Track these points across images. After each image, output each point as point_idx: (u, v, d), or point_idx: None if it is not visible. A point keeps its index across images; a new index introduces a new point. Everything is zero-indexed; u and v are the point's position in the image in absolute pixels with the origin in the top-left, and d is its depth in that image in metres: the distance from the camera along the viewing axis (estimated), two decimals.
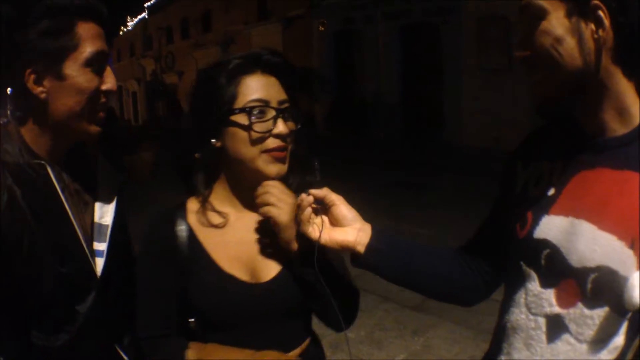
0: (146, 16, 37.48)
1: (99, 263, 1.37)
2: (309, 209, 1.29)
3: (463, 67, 13.67)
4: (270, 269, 1.40)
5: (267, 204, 1.32)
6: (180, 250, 1.39)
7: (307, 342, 1.49)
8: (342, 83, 18.69)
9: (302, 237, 1.32)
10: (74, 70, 1.24)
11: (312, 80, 17.98)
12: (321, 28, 18.88)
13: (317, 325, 1.52)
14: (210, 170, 1.44)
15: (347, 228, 1.31)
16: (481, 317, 4.21)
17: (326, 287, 1.32)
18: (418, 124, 15.32)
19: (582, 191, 1.12)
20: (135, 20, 40.66)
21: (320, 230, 1.29)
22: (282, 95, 1.38)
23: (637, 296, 0.98)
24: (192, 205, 1.45)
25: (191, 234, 1.41)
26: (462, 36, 13.60)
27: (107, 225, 1.40)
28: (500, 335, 1.28)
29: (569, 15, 1.04)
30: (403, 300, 5.00)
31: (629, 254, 1.02)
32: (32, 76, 1.22)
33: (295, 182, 1.45)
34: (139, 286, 1.44)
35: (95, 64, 1.27)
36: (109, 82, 1.30)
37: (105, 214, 1.41)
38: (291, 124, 1.38)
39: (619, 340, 1.07)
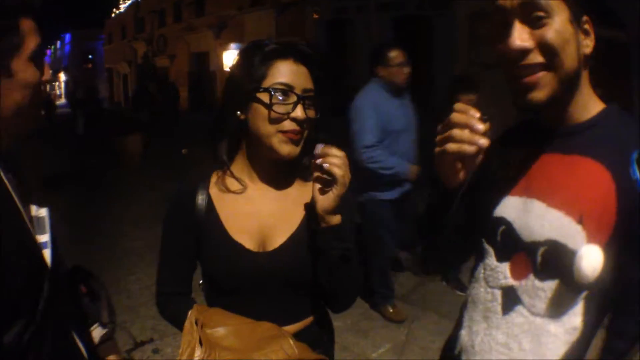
0: None
1: (47, 254, 1.37)
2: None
3: (455, 61, 13.65)
4: (277, 239, 1.50)
5: (332, 164, 1.35)
6: (199, 217, 1.52)
7: (307, 321, 1.56)
8: (334, 71, 18.64)
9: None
10: (21, 66, 1.25)
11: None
12: (315, 16, 18.79)
13: None
14: (233, 141, 1.55)
15: None
16: None
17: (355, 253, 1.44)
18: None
19: (536, 174, 1.23)
20: (128, 2, 40.30)
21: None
22: (309, 85, 1.47)
23: (586, 268, 1.03)
24: (215, 176, 1.57)
25: (209, 202, 1.53)
26: (455, 30, 13.57)
27: (44, 217, 1.41)
28: (463, 310, 1.38)
29: (571, 21, 1.11)
30: None
31: (577, 229, 1.11)
32: None
33: (306, 164, 1.53)
34: (161, 247, 1.61)
35: (37, 58, 1.28)
36: (47, 74, 1.33)
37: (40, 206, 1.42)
38: (311, 112, 1.47)
39: (577, 320, 1.12)
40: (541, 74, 1.14)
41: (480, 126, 1.08)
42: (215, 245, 1.51)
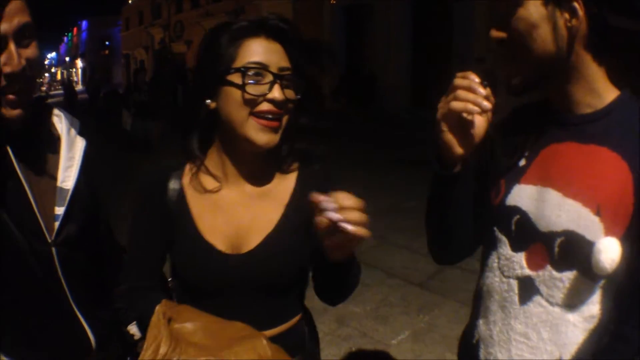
0: None
1: (53, 227, 1.37)
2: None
3: (473, 45, 13.54)
4: (250, 242, 1.38)
5: (352, 222, 1.11)
6: (169, 208, 1.39)
7: (285, 326, 1.43)
8: (352, 57, 18.59)
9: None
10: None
11: (321, 52, 17.87)
12: (332, 1, 18.72)
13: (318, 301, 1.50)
14: (205, 133, 1.41)
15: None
16: None
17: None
18: (424, 102, 15.26)
19: (551, 162, 1.20)
20: None
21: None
22: (284, 63, 1.33)
23: (604, 260, 1.02)
24: (189, 168, 1.43)
25: (181, 195, 1.40)
26: (474, 15, 13.45)
27: (68, 190, 1.40)
28: (478, 300, 1.37)
29: (545, 3, 1.10)
30: (407, 276, 5.05)
31: (594, 220, 1.10)
32: None
33: (290, 156, 1.43)
34: (129, 237, 1.46)
35: (21, 38, 1.23)
36: (9, 64, 1.22)
37: (67, 178, 1.42)
38: (290, 92, 1.33)
39: (594, 309, 1.13)
40: (514, 60, 1.17)
41: (482, 90, 1.11)
42: (185, 244, 1.39)
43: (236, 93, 1.29)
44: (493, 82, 1.14)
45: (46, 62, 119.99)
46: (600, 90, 1.15)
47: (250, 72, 1.28)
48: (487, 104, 1.11)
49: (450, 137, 1.18)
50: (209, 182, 1.40)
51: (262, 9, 22.27)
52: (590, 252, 1.05)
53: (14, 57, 1.21)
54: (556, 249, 1.14)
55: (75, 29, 75.07)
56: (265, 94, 1.28)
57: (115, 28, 53.34)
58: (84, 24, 64.94)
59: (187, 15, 30.97)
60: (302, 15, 20.20)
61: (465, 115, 1.14)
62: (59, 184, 1.40)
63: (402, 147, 11.73)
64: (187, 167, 1.43)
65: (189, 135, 1.41)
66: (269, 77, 1.29)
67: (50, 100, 1.56)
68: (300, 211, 1.35)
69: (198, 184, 1.40)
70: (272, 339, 1.33)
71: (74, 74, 70.19)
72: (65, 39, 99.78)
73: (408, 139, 12.42)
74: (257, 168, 1.42)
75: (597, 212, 1.09)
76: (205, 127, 1.39)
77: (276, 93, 1.28)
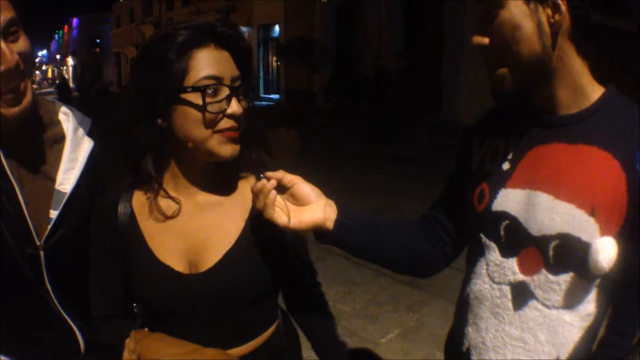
0: None
1: (44, 229, 1.37)
2: (273, 192, 1.20)
3: (465, 43, 13.54)
4: (208, 260, 1.32)
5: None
6: (121, 233, 1.33)
7: (260, 339, 1.40)
8: (343, 55, 18.57)
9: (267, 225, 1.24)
10: None
11: (312, 50, 17.87)
12: None
13: None
14: (157, 153, 1.32)
15: (313, 205, 1.26)
16: None
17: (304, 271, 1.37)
18: (416, 99, 15.28)
19: (538, 164, 1.18)
20: None
21: (287, 214, 1.22)
22: (235, 71, 1.27)
23: (602, 260, 1.03)
24: (140, 188, 1.36)
25: (132, 218, 1.34)
26: (465, 13, 13.45)
27: (65, 193, 1.39)
28: (464, 307, 1.34)
29: (527, 1, 1.09)
30: (397, 275, 4.99)
31: (589, 221, 1.09)
32: None
33: (246, 159, 1.37)
34: (90, 266, 1.41)
35: (8, 34, 1.22)
36: (2, 62, 1.20)
37: (66, 181, 1.40)
38: (244, 103, 1.28)
39: (590, 307, 1.13)
40: (500, 65, 1.15)
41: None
42: (139, 267, 1.32)
43: (194, 112, 1.22)
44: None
45: (37, 59, 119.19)
46: (585, 88, 1.14)
47: (209, 90, 1.21)
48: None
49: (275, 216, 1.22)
50: (164, 203, 1.34)
51: (253, 7, 22.26)
52: (587, 253, 1.05)
53: (7, 54, 1.20)
54: (551, 253, 1.13)
55: (66, 27, 74.64)
56: (224, 110, 1.23)
57: (107, 26, 53.09)
58: (75, 21, 64.59)
59: (178, 13, 30.85)
60: (293, 13, 20.19)
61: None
62: (56, 186, 1.39)
63: (394, 144, 11.77)
64: (136, 188, 1.37)
65: (141, 156, 1.31)
66: (225, 91, 1.23)
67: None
68: (261, 225, 1.30)
69: (151, 205, 1.33)
70: (248, 355, 1.33)
71: (64, 72, 69.72)
72: (56, 36, 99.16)
73: (398, 136, 12.46)
74: (215, 180, 1.37)
75: (592, 213, 1.09)
76: (157, 146, 1.30)
77: (235, 107, 1.23)
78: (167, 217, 1.33)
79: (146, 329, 1.35)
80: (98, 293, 1.41)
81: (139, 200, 1.35)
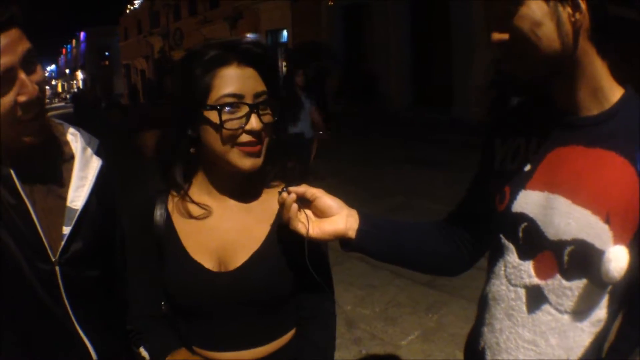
0: None
1: (57, 246, 1.38)
2: (295, 206, 1.29)
3: (472, 42, 13.51)
4: (237, 259, 1.40)
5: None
6: (158, 234, 1.42)
7: (281, 340, 1.45)
8: (351, 58, 18.58)
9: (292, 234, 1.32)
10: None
11: (322, 54, 17.87)
12: (330, 3, 18.70)
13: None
14: (188, 161, 1.43)
15: (335, 217, 1.33)
16: None
17: (320, 281, 1.34)
18: (427, 99, 15.25)
19: (557, 167, 1.17)
20: None
21: (307, 226, 1.29)
22: (260, 87, 1.34)
23: (614, 269, 1.03)
24: (174, 194, 1.46)
25: (168, 219, 1.43)
26: (472, 11, 13.42)
27: (76, 210, 1.41)
28: (483, 306, 1.35)
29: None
30: (414, 276, 4.98)
31: (604, 229, 1.08)
32: None
33: (273, 171, 1.46)
34: (129, 266, 1.52)
35: (28, 64, 1.24)
36: (24, 93, 1.23)
37: (77, 198, 1.42)
38: (267, 117, 1.35)
39: (602, 313, 1.13)
40: (519, 60, 1.15)
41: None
42: (173, 264, 1.40)
43: (214, 127, 1.31)
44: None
45: (46, 74, 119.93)
46: (604, 89, 1.13)
47: (226, 108, 1.30)
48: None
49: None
50: (193, 209, 1.43)
51: (260, 14, 22.33)
52: (600, 260, 1.05)
53: (28, 85, 1.23)
54: (566, 258, 1.12)
55: (73, 41, 75.19)
56: (243, 126, 1.30)
57: (115, 38, 53.41)
58: (82, 35, 65.04)
59: (185, 23, 30.98)
60: (300, 18, 20.23)
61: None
62: (68, 203, 1.41)
63: (405, 146, 11.73)
64: (170, 192, 1.46)
65: (172, 164, 1.43)
66: (245, 108, 1.31)
67: (52, 114, 1.56)
68: (287, 231, 1.35)
69: (183, 209, 1.43)
70: (268, 357, 1.39)
71: (74, 86, 70.27)
72: (64, 50, 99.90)
73: (410, 137, 12.43)
74: (242, 187, 1.44)
75: (607, 220, 1.08)
76: (188, 155, 1.41)
77: (254, 124, 1.31)
78: (199, 219, 1.42)
79: (184, 349, 1.41)
80: (139, 293, 1.49)
81: (173, 203, 1.45)
